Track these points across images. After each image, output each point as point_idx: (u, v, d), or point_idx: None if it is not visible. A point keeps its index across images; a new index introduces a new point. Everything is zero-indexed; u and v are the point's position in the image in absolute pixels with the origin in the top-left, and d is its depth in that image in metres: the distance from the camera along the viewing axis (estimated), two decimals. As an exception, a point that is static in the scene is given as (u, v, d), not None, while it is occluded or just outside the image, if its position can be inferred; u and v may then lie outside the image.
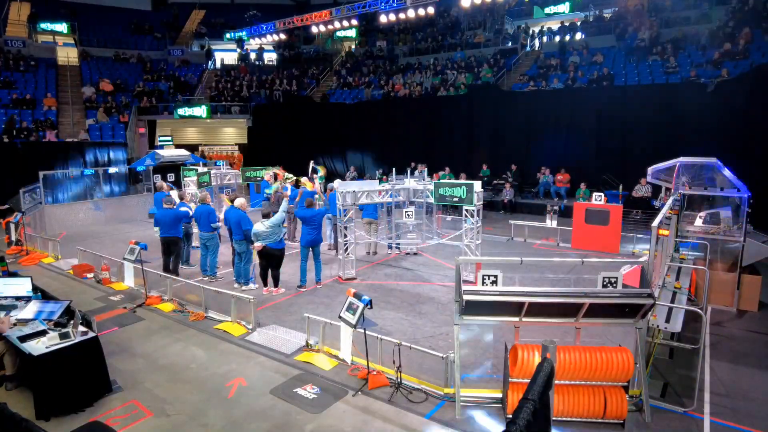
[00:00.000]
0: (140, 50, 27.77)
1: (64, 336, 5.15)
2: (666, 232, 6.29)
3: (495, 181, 16.92)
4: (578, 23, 21.09)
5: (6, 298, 6.28)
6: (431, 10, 20.67)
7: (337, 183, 10.65)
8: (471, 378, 5.63)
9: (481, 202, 9.04)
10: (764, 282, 7.69)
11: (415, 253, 11.30)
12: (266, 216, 8.39)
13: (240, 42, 28.67)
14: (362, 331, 5.55)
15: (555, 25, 21.97)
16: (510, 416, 4.76)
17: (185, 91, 25.43)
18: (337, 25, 23.23)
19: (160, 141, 24.85)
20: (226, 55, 29.38)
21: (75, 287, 9.30)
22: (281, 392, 5.43)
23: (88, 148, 19.05)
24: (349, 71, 26.17)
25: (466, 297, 4.70)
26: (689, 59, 16.13)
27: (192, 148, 23.45)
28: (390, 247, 11.41)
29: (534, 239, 12.28)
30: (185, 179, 12.58)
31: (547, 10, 22.83)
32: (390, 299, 8.33)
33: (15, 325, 5.54)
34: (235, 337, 6.89)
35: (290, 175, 11.46)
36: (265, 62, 29.24)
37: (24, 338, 5.23)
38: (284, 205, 8.56)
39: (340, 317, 5.77)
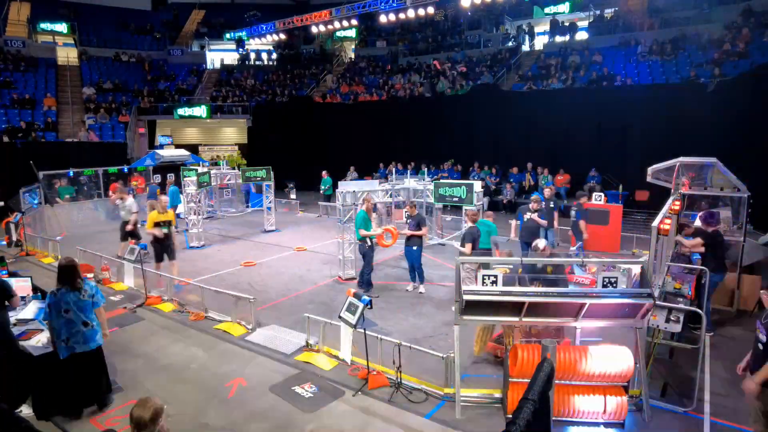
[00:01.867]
0: (140, 50, 27.77)
1: (64, 336, 5.14)
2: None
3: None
4: (578, 23, 21.11)
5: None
6: (431, 10, 20.68)
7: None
8: (471, 378, 5.63)
9: (481, 203, 9.05)
10: (764, 282, 7.68)
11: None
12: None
13: (240, 42, 28.67)
14: (362, 331, 5.55)
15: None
16: (510, 416, 4.76)
17: (185, 92, 25.44)
18: (337, 25, 23.22)
19: (160, 141, 24.86)
20: (226, 55, 29.40)
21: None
22: (281, 392, 5.43)
23: (87, 148, 19.04)
24: (349, 71, 26.17)
25: (466, 297, 4.70)
26: (689, 59, 16.13)
27: (192, 148, 23.44)
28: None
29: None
30: (185, 179, 12.59)
31: (547, 10, 22.85)
32: (390, 299, 8.33)
33: (15, 324, 5.55)
34: (235, 337, 6.88)
35: None
36: (265, 62, 29.23)
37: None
38: None
39: (340, 317, 5.77)
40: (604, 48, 18.83)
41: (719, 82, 13.75)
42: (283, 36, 26.28)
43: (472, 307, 4.84)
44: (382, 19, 21.48)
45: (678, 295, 5.89)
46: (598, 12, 21.18)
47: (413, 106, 20.12)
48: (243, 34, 27.90)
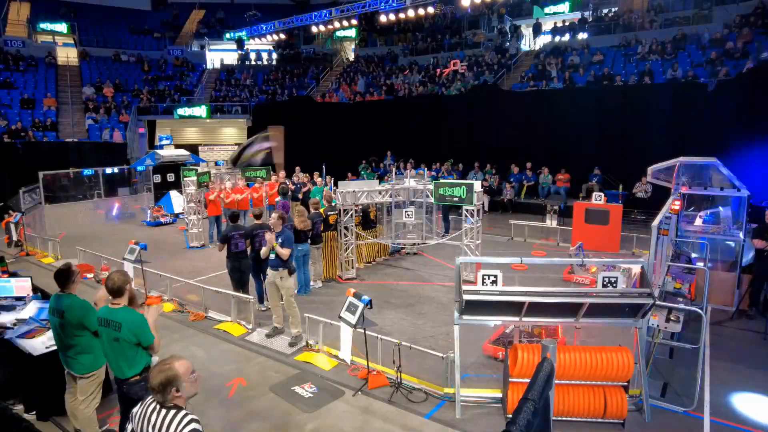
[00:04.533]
0: (140, 50, 27.75)
1: (64, 336, 5.13)
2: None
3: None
4: (577, 22, 21.09)
5: (6, 298, 6.28)
6: (431, 10, 20.68)
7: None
8: (471, 378, 5.63)
9: (482, 202, 9.04)
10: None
11: (415, 253, 11.30)
12: None
13: (240, 42, 28.66)
14: (362, 331, 5.55)
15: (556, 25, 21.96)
16: (510, 416, 4.77)
17: (185, 92, 25.44)
18: (337, 25, 23.23)
19: (160, 141, 24.85)
20: (226, 55, 29.39)
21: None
22: (281, 392, 5.43)
23: (87, 148, 19.05)
24: (348, 71, 26.17)
25: (466, 297, 4.70)
26: (689, 59, 16.13)
27: (192, 148, 23.43)
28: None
29: (534, 239, 12.26)
30: (185, 179, 12.58)
31: (546, 9, 22.82)
32: (390, 299, 8.33)
33: (15, 324, 5.54)
34: (235, 337, 6.88)
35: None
36: (265, 62, 29.24)
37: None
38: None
39: (340, 317, 5.76)
40: (604, 48, 18.82)
41: (719, 82, 13.75)
42: (283, 36, 26.28)
43: (472, 307, 4.84)
44: (382, 19, 21.47)
45: (678, 295, 5.89)
46: (601, 12, 21.13)
47: (413, 106, 20.11)
48: (243, 34, 27.89)
